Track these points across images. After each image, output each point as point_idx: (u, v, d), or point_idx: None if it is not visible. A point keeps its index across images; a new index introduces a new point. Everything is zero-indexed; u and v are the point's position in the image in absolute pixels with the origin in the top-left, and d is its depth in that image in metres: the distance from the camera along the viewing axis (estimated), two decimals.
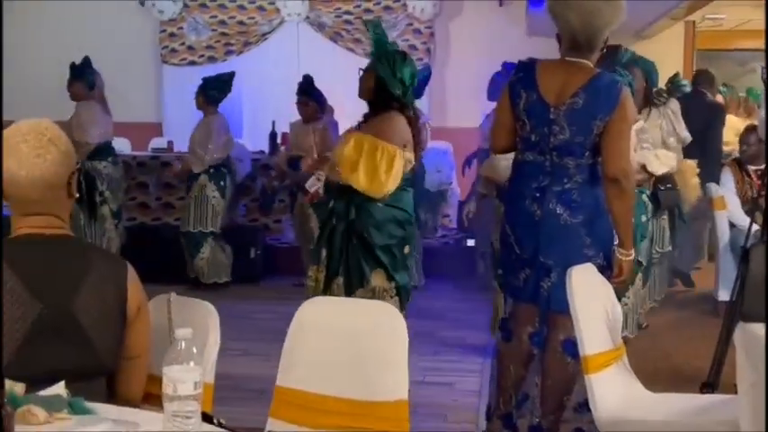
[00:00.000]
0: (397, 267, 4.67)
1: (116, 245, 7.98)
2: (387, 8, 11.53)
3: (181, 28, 11.68)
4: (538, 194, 3.71)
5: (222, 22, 11.69)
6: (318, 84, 8.03)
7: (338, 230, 4.61)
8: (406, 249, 4.75)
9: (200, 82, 8.24)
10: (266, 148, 9.52)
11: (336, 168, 4.64)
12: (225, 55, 11.67)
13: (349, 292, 4.57)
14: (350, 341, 2.49)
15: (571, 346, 3.51)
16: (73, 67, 7.77)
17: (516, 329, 3.86)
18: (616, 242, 3.77)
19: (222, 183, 8.06)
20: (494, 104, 7.41)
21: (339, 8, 11.49)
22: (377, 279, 4.60)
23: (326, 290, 4.60)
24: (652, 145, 5.67)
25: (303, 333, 2.56)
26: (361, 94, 4.80)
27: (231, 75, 8.26)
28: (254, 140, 9.96)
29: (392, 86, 4.64)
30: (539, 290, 3.72)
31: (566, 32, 3.75)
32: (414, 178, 4.85)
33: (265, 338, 6.41)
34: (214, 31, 11.69)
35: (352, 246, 4.60)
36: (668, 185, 5.90)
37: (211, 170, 8.02)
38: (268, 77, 11.17)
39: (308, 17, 11.48)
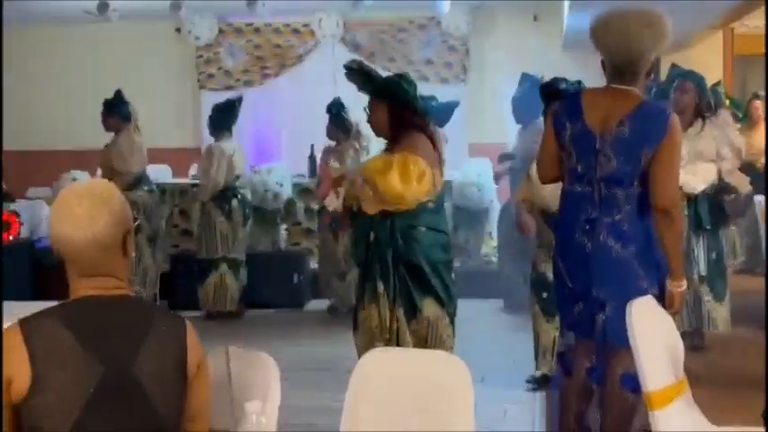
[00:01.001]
0: (447, 293, 4.60)
1: (153, 272, 8.01)
2: (421, 26, 11.55)
3: (217, 53, 11.78)
4: (587, 226, 3.64)
5: (258, 46, 11.75)
6: (354, 104, 8.00)
7: (387, 260, 4.53)
8: (452, 274, 4.69)
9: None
10: (305, 172, 9.52)
11: (358, 182, 4.53)
12: (261, 78, 11.75)
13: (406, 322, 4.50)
14: (414, 394, 2.45)
15: (630, 381, 3.44)
16: (106, 102, 7.83)
17: (575, 364, 3.80)
18: None
19: (227, 206, 8.06)
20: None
21: (373, 28, 11.50)
22: (429, 309, 4.54)
23: (391, 324, 4.53)
24: (688, 161, 5.61)
25: (366, 386, 2.52)
26: (379, 132, 4.73)
27: (239, 99, 8.32)
28: (293, 164, 9.94)
29: (416, 102, 4.60)
30: (594, 324, 3.65)
31: (607, 58, 3.69)
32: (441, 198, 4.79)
33: (311, 367, 6.40)
34: (250, 55, 11.77)
35: (400, 275, 4.52)
36: (732, 194, 5.84)
37: (215, 194, 8.05)
38: (305, 99, 11.20)
39: (343, 37, 11.52)
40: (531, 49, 10.71)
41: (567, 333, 3.92)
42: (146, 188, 7.92)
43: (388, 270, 4.51)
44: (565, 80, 5.34)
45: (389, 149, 4.65)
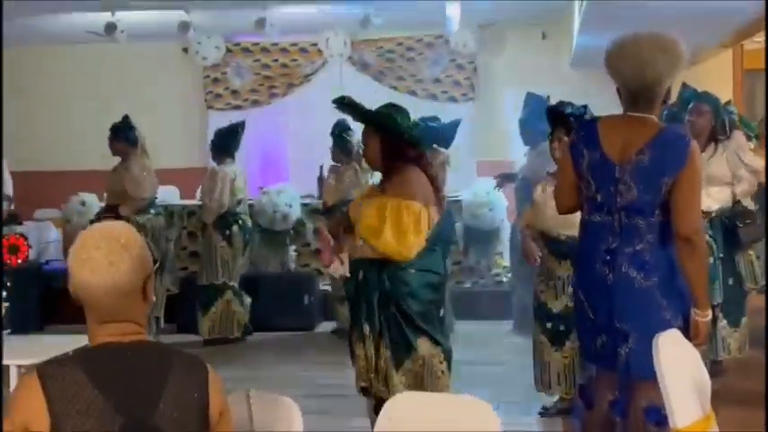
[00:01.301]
0: (438, 331, 4.57)
1: (159, 294, 7.94)
2: (428, 45, 11.52)
3: (224, 73, 11.74)
4: (608, 257, 3.59)
5: (265, 66, 11.72)
6: (359, 126, 7.95)
7: (373, 302, 4.49)
8: (441, 312, 4.65)
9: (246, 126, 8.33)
10: (314, 191, 9.47)
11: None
12: (269, 98, 11.72)
13: (397, 364, 4.46)
14: None
15: (654, 414, 3.39)
16: (113, 127, 7.79)
17: (597, 397, 3.73)
18: None
19: (228, 231, 7.99)
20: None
21: (381, 47, 11.49)
22: (423, 347, 4.50)
23: (376, 365, 4.49)
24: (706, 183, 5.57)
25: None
26: (372, 164, 4.74)
27: (242, 124, 8.31)
28: (301, 183, 9.88)
29: (410, 132, 4.56)
30: (617, 356, 3.59)
31: (622, 85, 3.65)
32: (440, 233, 4.71)
33: (322, 393, 6.31)
34: (257, 75, 11.73)
35: (391, 315, 4.48)
36: (747, 221, 5.78)
37: (215, 219, 8.00)
38: (313, 119, 11.12)
39: (350, 57, 11.46)
40: (540, 67, 10.67)
41: (588, 365, 3.85)
42: (153, 211, 7.88)
43: (373, 312, 4.49)
44: (571, 104, 5.30)
45: (383, 184, 4.63)
